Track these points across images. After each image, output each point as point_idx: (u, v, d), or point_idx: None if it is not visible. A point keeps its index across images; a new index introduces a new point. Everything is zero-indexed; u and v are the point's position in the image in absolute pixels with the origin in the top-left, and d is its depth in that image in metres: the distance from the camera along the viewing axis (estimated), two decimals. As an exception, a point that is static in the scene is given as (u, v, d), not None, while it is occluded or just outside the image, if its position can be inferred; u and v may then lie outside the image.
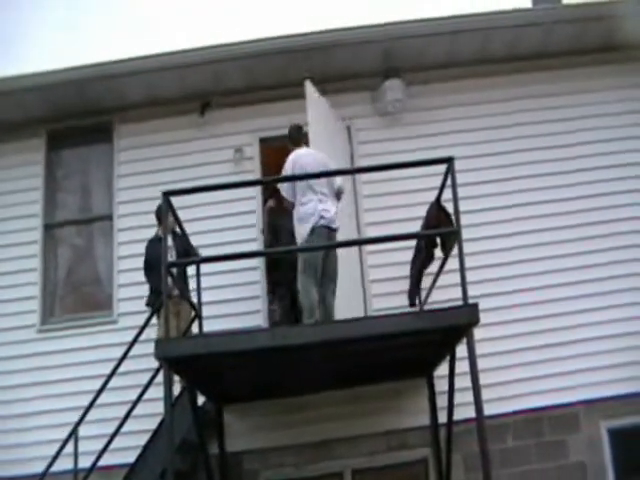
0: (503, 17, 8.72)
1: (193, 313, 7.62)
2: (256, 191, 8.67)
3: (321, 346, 6.19)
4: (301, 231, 7.02)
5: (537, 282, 8.21)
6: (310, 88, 8.07)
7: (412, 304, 7.69)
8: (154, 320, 7.49)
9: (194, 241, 7.62)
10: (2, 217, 8.83)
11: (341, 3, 27.59)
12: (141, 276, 7.87)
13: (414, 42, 8.68)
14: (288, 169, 7.14)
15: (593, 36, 8.79)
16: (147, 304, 7.69)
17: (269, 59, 8.63)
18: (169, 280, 6.35)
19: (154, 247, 7.71)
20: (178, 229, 7.37)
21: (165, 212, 6.33)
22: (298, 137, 7.53)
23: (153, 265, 7.64)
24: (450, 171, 6.26)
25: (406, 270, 7.82)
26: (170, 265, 6.58)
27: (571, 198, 8.50)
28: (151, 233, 8.01)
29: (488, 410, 5.94)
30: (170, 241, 7.70)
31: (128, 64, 8.63)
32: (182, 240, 7.55)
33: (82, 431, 6.85)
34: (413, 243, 7.63)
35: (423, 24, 8.67)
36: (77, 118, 9.04)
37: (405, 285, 7.79)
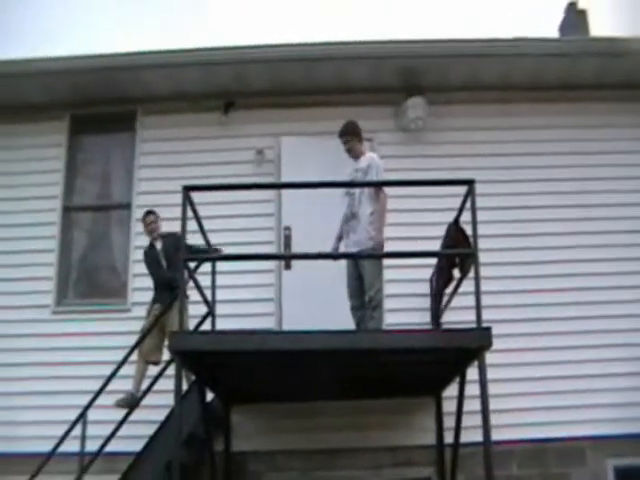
0: (527, 45, 8.75)
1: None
2: (275, 194, 8.65)
3: (333, 354, 6.22)
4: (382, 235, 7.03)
5: (553, 313, 8.15)
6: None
7: (437, 323, 7.65)
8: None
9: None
10: (22, 196, 8.83)
11: (370, 17, 27.86)
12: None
13: (437, 62, 8.74)
14: (382, 170, 7.12)
15: (616, 71, 8.85)
16: (154, 301, 7.67)
17: (292, 65, 8.71)
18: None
19: (150, 254, 7.81)
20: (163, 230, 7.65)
21: (184, 206, 6.31)
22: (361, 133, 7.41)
23: (155, 270, 7.75)
24: (470, 193, 6.30)
25: (421, 287, 7.94)
26: (187, 259, 6.57)
27: (589, 232, 8.48)
28: (169, 226, 7.73)
29: (495, 436, 5.92)
30: (159, 245, 7.80)
31: (153, 56, 8.68)
32: (173, 240, 7.35)
33: (90, 415, 6.87)
34: (429, 261, 7.65)
35: (446, 44, 8.72)
36: (102, 105, 9.07)
37: (419, 302, 7.91)
